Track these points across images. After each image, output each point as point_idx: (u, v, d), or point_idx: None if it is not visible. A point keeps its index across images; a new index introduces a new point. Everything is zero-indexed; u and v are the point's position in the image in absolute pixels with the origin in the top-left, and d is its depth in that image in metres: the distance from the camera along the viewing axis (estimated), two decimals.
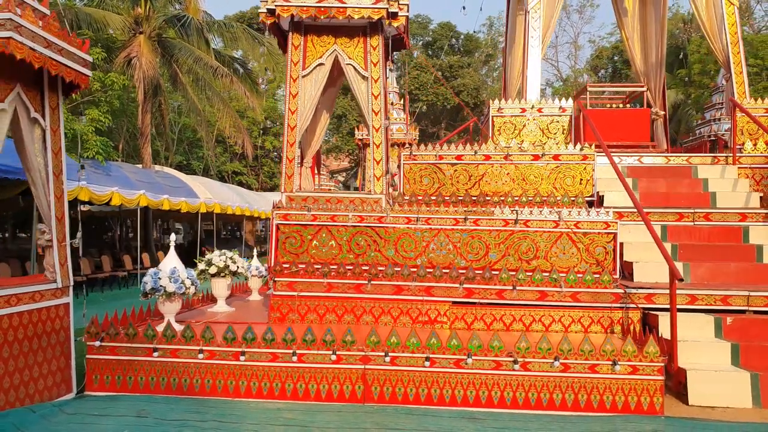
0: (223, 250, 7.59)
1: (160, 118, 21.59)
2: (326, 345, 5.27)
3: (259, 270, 8.67)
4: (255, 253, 9.26)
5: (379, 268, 6.44)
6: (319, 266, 6.50)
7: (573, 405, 5.07)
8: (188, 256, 21.28)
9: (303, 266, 6.51)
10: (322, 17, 6.48)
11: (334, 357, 5.25)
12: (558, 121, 9.02)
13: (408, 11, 6.64)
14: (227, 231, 39.64)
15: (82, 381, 5.45)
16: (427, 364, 5.19)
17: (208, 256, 7.50)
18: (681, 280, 5.56)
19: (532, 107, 8.96)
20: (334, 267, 6.47)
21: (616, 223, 6.43)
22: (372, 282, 6.39)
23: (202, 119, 21.83)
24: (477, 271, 6.37)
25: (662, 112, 11.70)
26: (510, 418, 4.90)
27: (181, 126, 30.41)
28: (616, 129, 9.97)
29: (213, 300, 7.85)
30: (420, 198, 7.78)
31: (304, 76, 6.80)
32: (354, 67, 6.77)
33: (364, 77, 6.76)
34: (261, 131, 36.86)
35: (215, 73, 18.46)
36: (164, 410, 4.91)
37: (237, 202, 23.15)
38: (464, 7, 12.90)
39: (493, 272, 6.36)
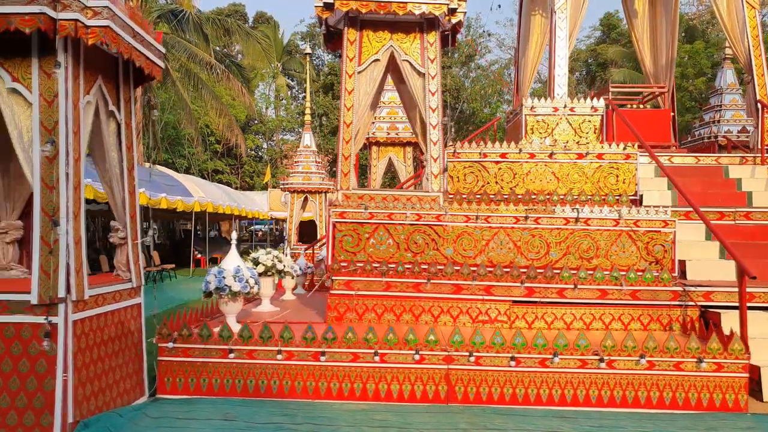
0: (268, 249, 7.42)
1: (148, 114, 21.08)
2: (409, 345, 5.18)
3: (294, 269, 8.51)
4: (288, 252, 9.08)
5: (438, 267, 6.37)
6: (377, 265, 6.40)
7: (658, 402, 5.10)
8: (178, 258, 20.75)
9: (361, 265, 6.39)
10: (382, 12, 6.38)
11: (417, 357, 5.17)
12: (590, 121, 9.07)
13: (466, 8, 6.59)
14: (203, 230, 39.01)
15: (153, 384, 5.24)
16: (513, 363, 5.15)
17: (253, 254, 7.32)
18: (754, 278, 5.64)
19: (565, 106, 8.99)
20: (392, 266, 6.38)
21: (674, 221, 6.51)
22: (431, 281, 6.32)
23: (191, 117, 21.39)
24: (539, 270, 6.36)
25: (672, 113, 11.93)
26: (600, 417, 4.90)
27: (164, 123, 29.78)
28: (639, 129, 10.09)
29: (251, 299, 7.66)
30: (464, 196, 7.74)
31: (359, 72, 6.69)
32: (410, 63, 6.68)
33: (420, 74, 6.68)
34: (241, 129, 36.41)
35: (211, 70, 18.10)
36: (249, 413, 4.76)
37: (227, 201, 22.80)
38: (500, 6, 12.64)
39: (555, 271, 6.36)
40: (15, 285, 4.27)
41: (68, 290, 4.02)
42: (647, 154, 7.95)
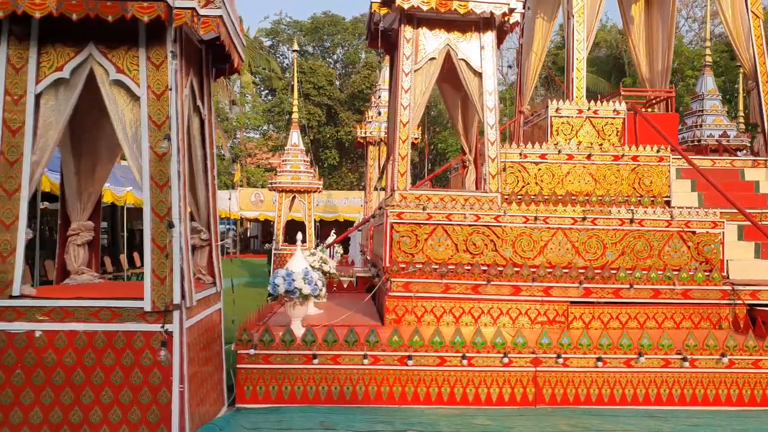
0: (312, 250, 7.23)
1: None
2: (497, 348, 5.13)
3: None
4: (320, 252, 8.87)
5: (498, 268, 6.34)
6: (437, 266, 6.32)
7: (738, 400, 5.22)
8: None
9: (420, 266, 6.30)
10: (442, 11, 6.31)
11: (506, 360, 5.12)
12: (612, 123, 9.23)
13: (523, 8, 6.58)
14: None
15: (230, 393, 5.01)
16: (600, 364, 5.17)
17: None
18: None
19: (588, 108, 9.13)
20: (452, 267, 6.31)
21: (723, 222, 6.69)
22: (492, 282, 6.29)
23: None
24: (596, 271, 6.42)
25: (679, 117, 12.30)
26: (687, 415, 4.98)
27: None
28: (654, 132, 10.35)
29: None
30: (506, 197, 7.74)
31: (415, 71, 6.59)
32: (467, 62, 6.63)
33: (476, 73, 6.64)
34: None
35: None
36: (343, 421, 4.61)
37: None
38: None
39: (611, 271, 6.43)
40: (117, 290, 4.00)
41: (183, 296, 3.78)
42: (679, 156, 8.14)
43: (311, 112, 37.09)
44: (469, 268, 6.33)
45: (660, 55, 12.70)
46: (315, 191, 17.95)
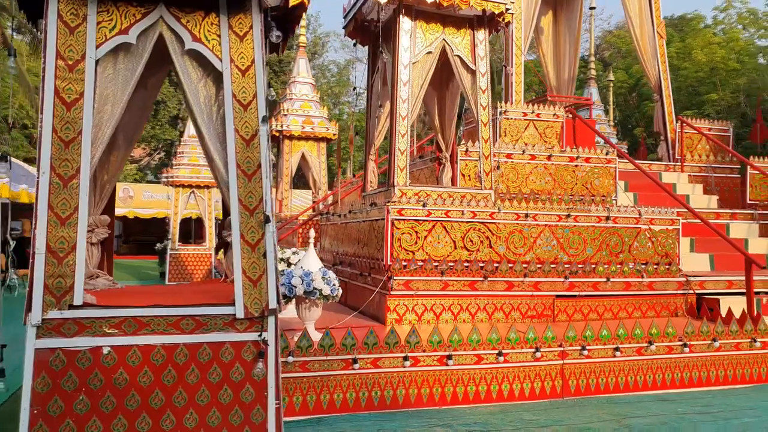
0: (294, 249, 6.78)
1: None
2: (529, 343, 5.17)
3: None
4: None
5: (494, 265, 6.42)
6: (437, 263, 6.24)
7: (724, 380, 5.75)
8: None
9: (421, 264, 6.19)
10: (445, 4, 6.23)
11: (538, 354, 5.18)
12: (552, 126, 9.78)
13: (514, 9, 6.72)
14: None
15: None
16: (618, 354, 5.42)
17: (281, 255, 6.62)
18: (764, 267, 6.60)
19: (532, 112, 9.58)
20: (452, 264, 6.27)
21: (679, 219, 7.34)
22: (488, 279, 6.35)
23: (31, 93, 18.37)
24: (579, 266, 6.73)
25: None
26: (692, 396, 5.38)
27: None
28: (580, 136, 11.10)
29: None
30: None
31: (413, 63, 6.44)
32: (461, 59, 6.62)
33: (470, 70, 6.65)
34: None
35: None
36: (400, 427, 4.40)
37: None
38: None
39: (591, 266, 6.79)
40: (192, 296, 3.43)
41: (278, 300, 3.34)
42: (625, 159, 8.79)
43: (182, 102, 34.99)
44: (467, 264, 6.32)
45: (566, 64, 13.61)
46: (216, 186, 16.91)
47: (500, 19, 6.59)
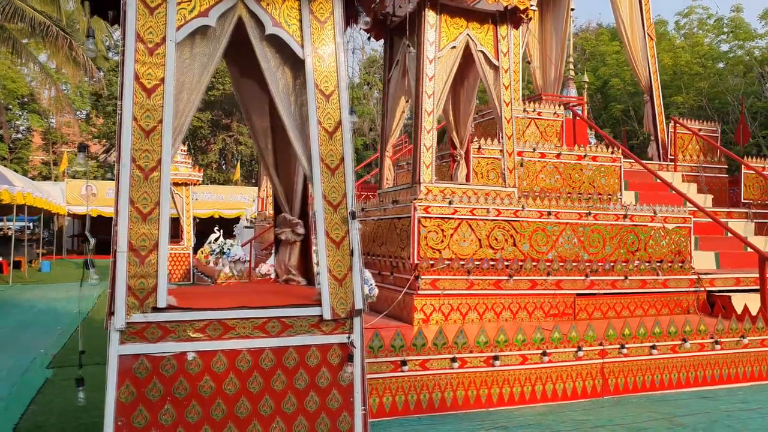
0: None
1: None
2: (572, 342, 5.13)
3: None
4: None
5: (519, 263, 6.37)
6: (463, 262, 6.15)
7: (751, 376, 5.84)
8: None
9: (449, 262, 6.08)
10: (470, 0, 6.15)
11: (581, 353, 5.14)
12: (552, 125, 9.82)
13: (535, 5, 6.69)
14: None
15: None
16: (655, 351, 5.43)
17: None
18: None
19: (533, 110, 9.60)
20: (478, 263, 6.19)
21: (691, 218, 7.44)
22: (513, 277, 6.30)
23: None
24: (599, 264, 6.75)
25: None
26: (726, 393, 5.44)
27: None
28: (579, 135, 11.21)
29: None
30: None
31: (438, 58, 6.33)
32: (484, 54, 6.54)
33: (493, 66, 6.58)
34: (21, 107, 30.80)
35: (47, 33, 15.02)
36: (450, 431, 4.26)
37: (38, 192, 19.15)
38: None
39: (610, 264, 6.81)
40: (268, 296, 3.22)
41: (363, 300, 3.17)
42: (631, 159, 8.89)
43: None
44: (493, 263, 6.25)
45: (553, 64, 13.76)
46: (194, 184, 16.45)
47: (524, 15, 6.53)
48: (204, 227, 22.56)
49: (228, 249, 12.40)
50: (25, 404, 4.85)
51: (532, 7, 6.54)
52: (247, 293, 3.54)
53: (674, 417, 4.70)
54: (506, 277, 6.26)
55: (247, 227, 16.78)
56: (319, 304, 3.07)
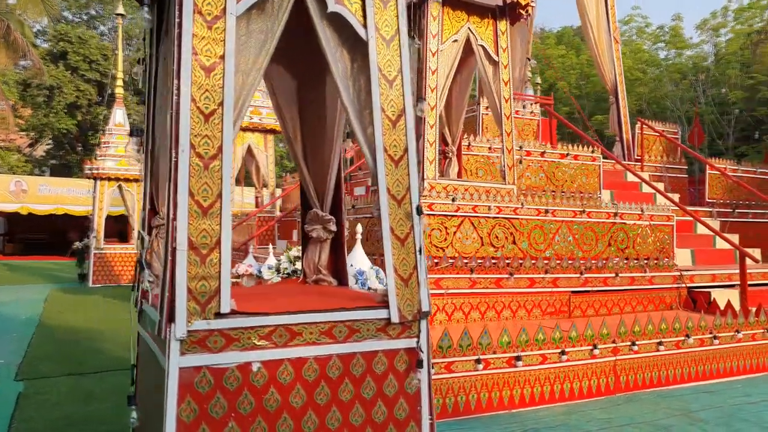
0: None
1: None
2: (588, 340, 5.08)
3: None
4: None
5: (519, 261, 6.32)
6: (467, 261, 6.03)
7: (745, 369, 5.99)
8: None
9: (453, 261, 5.95)
10: None
11: (597, 351, 5.10)
12: (529, 124, 9.89)
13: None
14: None
15: None
16: (661, 348, 5.47)
17: (294, 252, 6.09)
18: (757, 261, 6.98)
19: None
20: (480, 261, 6.09)
21: (673, 216, 7.61)
22: (514, 276, 6.24)
23: None
24: (592, 261, 6.78)
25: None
26: (726, 387, 5.55)
27: None
28: (545, 134, 11.33)
29: None
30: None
31: (441, 51, 6.17)
32: (485, 49, 6.44)
33: (493, 61, 6.49)
34: None
35: None
36: None
37: None
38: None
39: (603, 261, 6.86)
40: (334, 298, 2.96)
41: (429, 301, 2.96)
42: (607, 157, 9.02)
43: (81, 89, 32.35)
44: (495, 261, 6.16)
45: (517, 65, 13.90)
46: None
47: (523, 11, 6.47)
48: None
49: None
50: (7, 423, 4.35)
51: (533, 3, 6.48)
52: (295, 294, 3.26)
53: (690, 413, 4.73)
54: (507, 276, 6.17)
55: None
56: (386, 306, 2.84)
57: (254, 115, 13.74)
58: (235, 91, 2.61)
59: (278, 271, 5.87)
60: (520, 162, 7.45)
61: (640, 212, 7.29)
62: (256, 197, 15.10)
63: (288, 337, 2.61)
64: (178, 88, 2.45)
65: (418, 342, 2.86)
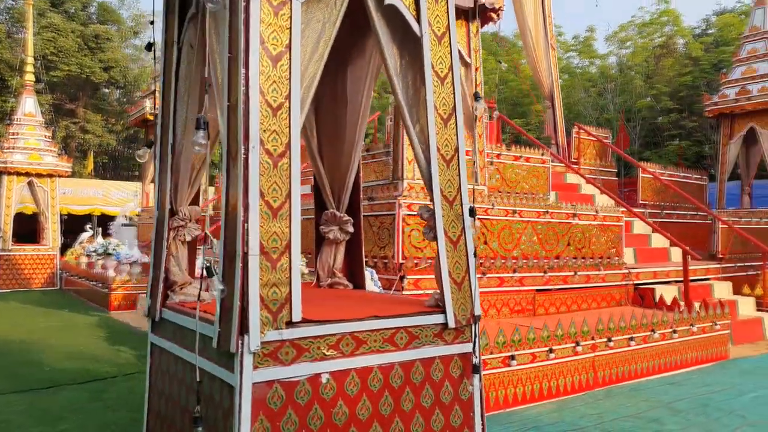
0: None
1: None
2: (572, 337, 5.23)
3: None
4: None
5: (491, 261, 6.41)
6: None
7: (696, 360, 6.39)
8: None
9: (431, 261, 5.94)
10: None
11: (579, 348, 5.25)
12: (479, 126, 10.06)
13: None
14: None
15: None
16: (632, 343, 5.72)
17: None
18: (698, 259, 7.48)
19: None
20: None
21: (623, 216, 8.01)
22: (486, 275, 6.33)
23: None
24: (555, 260, 7.01)
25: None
26: (683, 379, 5.90)
27: None
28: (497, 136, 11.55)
29: None
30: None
31: None
32: (459, 50, 6.45)
33: (465, 63, 6.53)
34: None
35: None
36: None
37: None
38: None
39: (564, 260, 7.11)
40: (375, 304, 2.82)
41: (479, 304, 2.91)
42: (556, 160, 9.34)
43: None
44: None
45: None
46: (63, 175, 14.52)
47: (495, 14, 6.57)
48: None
49: (115, 250, 11.13)
50: None
51: (503, 8, 6.59)
52: (333, 299, 3.10)
53: (669, 403, 4.97)
54: (480, 275, 6.24)
55: (125, 225, 15.18)
56: (441, 311, 2.76)
57: None
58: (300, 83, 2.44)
59: None
60: (491, 163, 7.57)
61: (594, 213, 7.61)
62: None
63: (354, 345, 2.47)
64: (246, 79, 2.25)
65: (474, 346, 2.80)
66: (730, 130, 11.97)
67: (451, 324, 2.75)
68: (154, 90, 13.21)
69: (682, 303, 7.15)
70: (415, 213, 5.92)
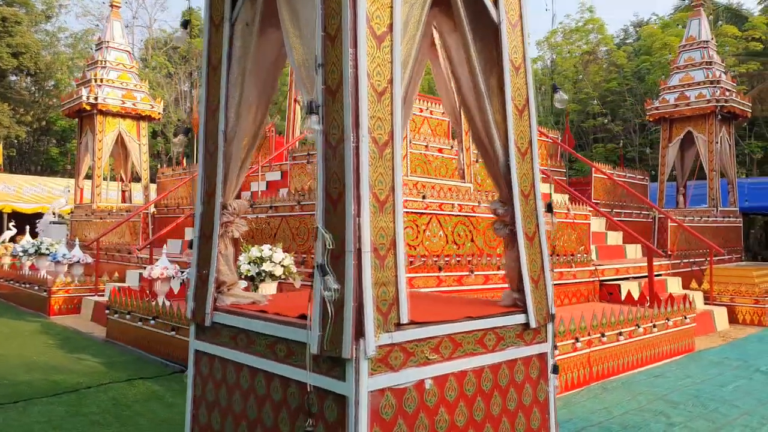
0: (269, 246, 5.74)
1: None
2: (572, 333, 5.27)
3: None
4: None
5: (478, 258, 6.41)
6: (436, 259, 5.98)
7: (673, 352, 6.65)
8: None
9: (424, 259, 5.85)
10: None
11: (579, 344, 5.31)
12: (441, 124, 10.09)
13: None
14: None
15: None
16: (622, 338, 5.85)
17: (259, 253, 5.55)
18: (662, 256, 7.80)
19: (427, 109, 9.76)
20: (447, 259, 6.08)
21: (590, 215, 8.23)
22: (474, 273, 6.32)
23: None
24: None
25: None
26: (663, 371, 6.12)
27: None
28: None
29: None
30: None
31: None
32: None
33: None
34: None
35: None
36: None
37: None
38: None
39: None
40: (456, 305, 2.68)
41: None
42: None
43: None
44: (459, 259, 6.17)
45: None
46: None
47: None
48: None
49: (48, 249, 10.36)
50: None
51: None
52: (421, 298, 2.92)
53: (663, 396, 5.12)
54: (468, 273, 6.21)
55: (54, 223, 14.12)
56: (522, 311, 2.66)
57: (127, 99, 12.35)
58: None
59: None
60: (477, 161, 7.54)
61: (566, 211, 7.77)
62: (123, 191, 13.62)
63: (452, 348, 2.33)
64: (355, 59, 2.06)
65: (553, 347, 2.71)
66: (669, 134, 12.62)
67: (533, 324, 2.66)
68: (90, 79, 12.35)
69: (647, 298, 7.42)
70: (408, 210, 5.81)
